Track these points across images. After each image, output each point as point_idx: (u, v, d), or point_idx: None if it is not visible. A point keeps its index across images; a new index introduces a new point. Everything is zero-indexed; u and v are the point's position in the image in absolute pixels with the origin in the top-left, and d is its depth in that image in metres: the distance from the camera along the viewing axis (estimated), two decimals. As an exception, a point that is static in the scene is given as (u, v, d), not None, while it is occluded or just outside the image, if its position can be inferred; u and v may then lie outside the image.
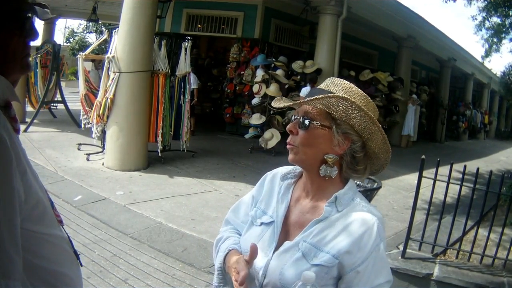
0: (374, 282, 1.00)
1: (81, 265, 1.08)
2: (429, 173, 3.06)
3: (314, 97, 1.04)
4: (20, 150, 0.87)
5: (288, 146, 1.10)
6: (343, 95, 1.05)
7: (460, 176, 3.04)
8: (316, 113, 1.06)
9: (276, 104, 1.15)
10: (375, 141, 1.07)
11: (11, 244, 0.80)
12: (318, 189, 1.10)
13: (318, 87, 1.13)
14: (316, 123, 1.06)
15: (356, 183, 1.18)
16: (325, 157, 1.06)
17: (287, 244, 1.07)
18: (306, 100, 1.06)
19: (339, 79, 1.13)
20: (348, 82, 1.11)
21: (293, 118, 1.11)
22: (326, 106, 1.05)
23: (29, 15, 0.93)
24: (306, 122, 1.06)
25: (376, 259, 1.00)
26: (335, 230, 1.03)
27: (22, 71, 0.96)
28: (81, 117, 6.44)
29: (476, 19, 8.76)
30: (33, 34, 0.94)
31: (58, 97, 8.86)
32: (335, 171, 1.07)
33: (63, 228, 1.03)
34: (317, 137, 1.06)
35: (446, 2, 7.61)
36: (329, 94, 1.04)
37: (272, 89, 7.82)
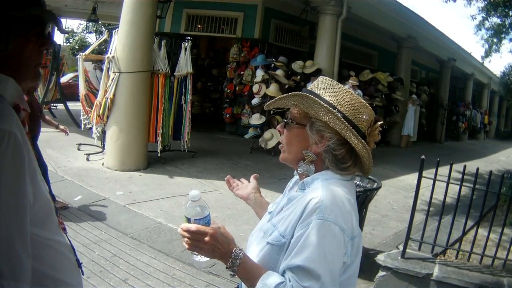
0: (292, 260, 0.95)
1: (83, 274, 1.07)
2: (429, 173, 3.06)
3: (278, 97, 1.11)
4: (30, 151, 0.87)
5: (279, 146, 1.16)
6: (317, 92, 1.07)
7: (460, 176, 3.04)
8: (296, 113, 1.11)
9: (266, 107, 1.20)
10: (350, 137, 1.02)
11: (21, 246, 0.79)
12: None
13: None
14: (292, 122, 1.10)
15: (355, 182, 1.20)
16: (303, 153, 1.09)
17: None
18: (273, 100, 1.13)
19: (324, 77, 1.14)
20: (331, 80, 1.11)
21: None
22: (294, 105, 1.09)
23: (49, 24, 0.92)
24: (286, 121, 1.12)
25: (306, 237, 0.95)
26: (289, 210, 1.06)
27: (33, 80, 0.96)
28: (81, 117, 6.44)
29: (475, 18, 8.77)
30: (49, 44, 0.93)
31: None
32: (312, 169, 1.08)
33: (66, 235, 1.02)
34: (295, 136, 1.10)
35: (446, 2, 7.61)
36: (294, 93, 1.09)
37: (272, 89, 7.82)
